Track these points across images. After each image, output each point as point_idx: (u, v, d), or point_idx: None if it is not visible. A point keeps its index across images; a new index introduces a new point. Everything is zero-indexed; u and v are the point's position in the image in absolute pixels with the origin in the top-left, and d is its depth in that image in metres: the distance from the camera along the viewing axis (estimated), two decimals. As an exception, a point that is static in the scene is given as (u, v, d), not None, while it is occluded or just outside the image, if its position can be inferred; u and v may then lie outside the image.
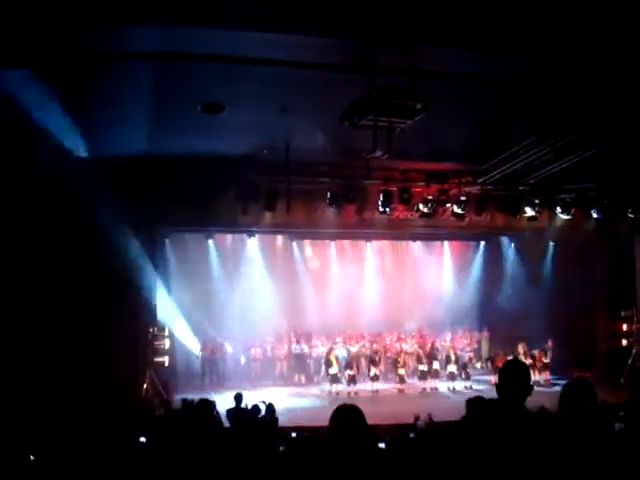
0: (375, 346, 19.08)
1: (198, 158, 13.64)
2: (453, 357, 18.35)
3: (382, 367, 18.20)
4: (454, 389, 17.56)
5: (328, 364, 17.59)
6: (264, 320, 19.07)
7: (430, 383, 17.74)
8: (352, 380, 17.13)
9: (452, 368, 18.13)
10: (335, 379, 17.15)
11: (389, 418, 11.63)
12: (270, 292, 19.68)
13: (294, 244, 20.60)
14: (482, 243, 21.58)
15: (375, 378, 17.54)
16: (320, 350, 19.05)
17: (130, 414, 8.87)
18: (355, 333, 19.90)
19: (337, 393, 16.72)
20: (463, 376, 18.33)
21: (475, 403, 5.13)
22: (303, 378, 18.93)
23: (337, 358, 17.71)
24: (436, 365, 18.06)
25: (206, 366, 18.25)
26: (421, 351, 18.63)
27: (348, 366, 17.50)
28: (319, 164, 14.78)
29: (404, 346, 19.24)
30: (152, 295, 15.14)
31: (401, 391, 17.36)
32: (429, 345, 18.73)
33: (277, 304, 19.54)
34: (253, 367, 18.98)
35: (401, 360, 18.09)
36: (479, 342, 20.96)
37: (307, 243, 21.01)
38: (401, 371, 17.90)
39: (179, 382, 16.54)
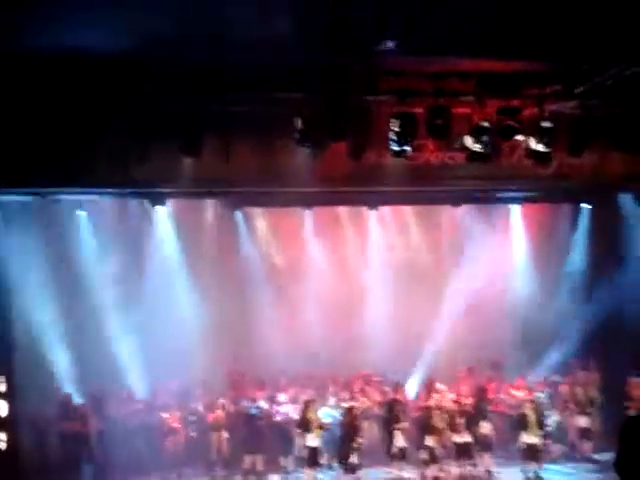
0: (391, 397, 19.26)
1: (53, 60, 13.60)
2: (532, 416, 18.43)
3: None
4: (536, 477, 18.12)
5: (305, 429, 17.92)
6: (184, 356, 19.47)
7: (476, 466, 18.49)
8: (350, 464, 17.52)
9: (531, 438, 18.27)
10: (315, 460, 17.76)
11: None
12: (194, 303, 20.38)
13: (237, 215, 20.86)
14: (585, 207, 21.86)
15: (399, 456, 18.05)
16: (289, 409, 19.32)
17: None
18: (355, 377, 20.39)
19: None
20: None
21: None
22: (259, 461, 19.13)
23: (321, 422, 18.09)
24: (486, 429, 18.59)
25: (72, 448, 18.35)
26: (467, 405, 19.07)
27: (345, 437, 17.72)
28: (281, 68, 14.62)
29: (435, 396, 19.37)
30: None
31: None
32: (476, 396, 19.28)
33: (208, 326, 20.14)
34: (166, 446, 19.22)
35: (433, 421, 18.42)
36: (583, 387, 21.05)
37: (261, 213, 21.38)
38: (429, 441, 18.26)
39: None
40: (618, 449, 3.84)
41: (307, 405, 18.24)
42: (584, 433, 20.11)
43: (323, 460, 18.04)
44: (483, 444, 18.56)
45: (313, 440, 17.79)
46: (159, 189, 17.56)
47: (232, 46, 13.35)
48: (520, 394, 19.76)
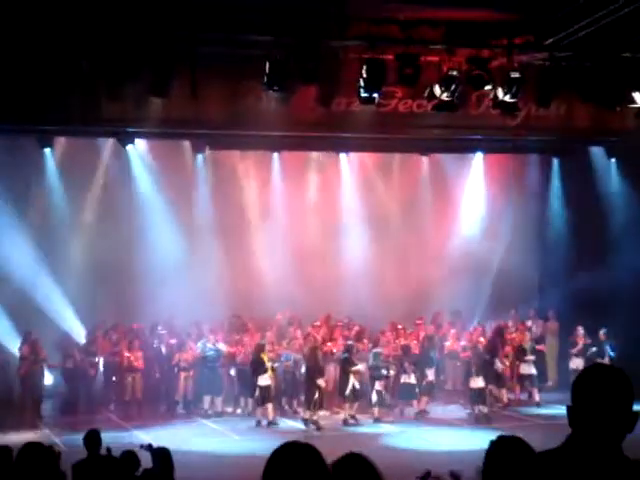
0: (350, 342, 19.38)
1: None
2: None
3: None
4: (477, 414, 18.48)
5: (258, 370, 18.10)
6: (153, 296, 19.69)
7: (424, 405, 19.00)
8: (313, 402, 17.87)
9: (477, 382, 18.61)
10: (266, 397, 18.10)
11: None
12: (167, 243, 20.54)
13: (201, 157, 20.76)
14: (554, 160, 21.90)
15: (351, 398, 18.21)
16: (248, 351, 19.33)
17: None
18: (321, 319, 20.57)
19: (269, 424, 17.91)
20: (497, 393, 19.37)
21: (506, 450, 5.03)
22: (218, 402, 19.38)
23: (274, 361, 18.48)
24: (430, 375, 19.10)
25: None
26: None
27: (308, 377, 17.99)
28: (251, 10, 14.55)
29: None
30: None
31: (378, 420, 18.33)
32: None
33: (179, 265, 20.43)
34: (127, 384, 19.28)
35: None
36: (539, 338, 21.47)
37: (227, 156, 21.25)
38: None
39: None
40: (572, 395, 3.90)
41: (258, 348, 18.42)
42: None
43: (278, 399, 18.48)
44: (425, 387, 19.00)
45: (264, 379, 17.98)
46: (128, 128, 17.44)
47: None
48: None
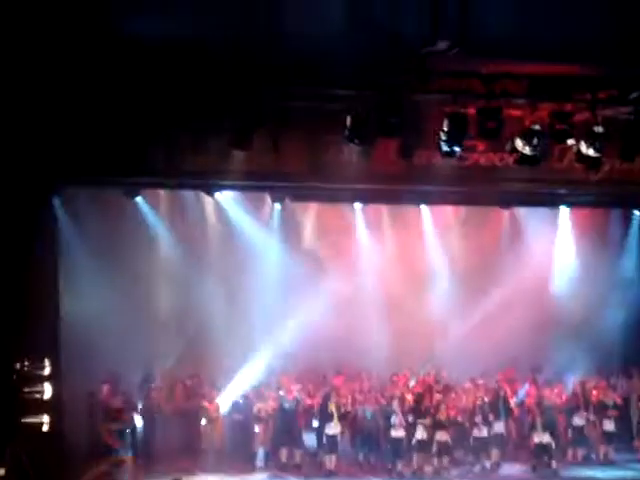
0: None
1: (111, 49, 13.58)
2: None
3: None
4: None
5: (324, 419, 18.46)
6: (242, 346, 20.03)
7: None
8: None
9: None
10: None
11: None
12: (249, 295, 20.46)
13: (278, 207, 20.65)
14: (637, 213, 21.60)
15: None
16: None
17: None
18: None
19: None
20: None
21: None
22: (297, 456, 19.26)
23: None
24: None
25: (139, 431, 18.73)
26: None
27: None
28: (333, 64, 14.46)
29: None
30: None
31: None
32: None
33: (267, 319, 20.48)
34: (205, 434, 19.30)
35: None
36: (625, 399, 20.98)
37: (308, 208, 21.37)
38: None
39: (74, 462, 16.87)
40: None
41: (325, 397, 18.92)
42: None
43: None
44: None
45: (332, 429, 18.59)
46: (212, 180, 17.59)
47: (286, 41, 13.30)
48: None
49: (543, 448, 19.03)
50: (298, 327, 20.44)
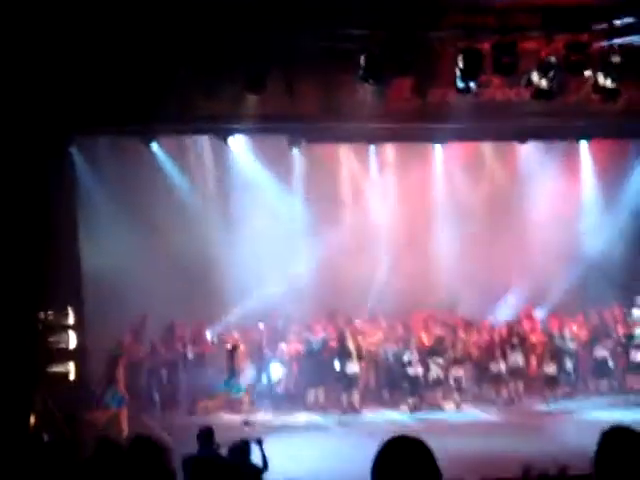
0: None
1: (120, 5, 13.63)
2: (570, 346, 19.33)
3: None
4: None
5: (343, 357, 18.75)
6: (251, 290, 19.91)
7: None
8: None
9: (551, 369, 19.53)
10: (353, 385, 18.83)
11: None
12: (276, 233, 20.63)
13: (296, 151, 20.55)
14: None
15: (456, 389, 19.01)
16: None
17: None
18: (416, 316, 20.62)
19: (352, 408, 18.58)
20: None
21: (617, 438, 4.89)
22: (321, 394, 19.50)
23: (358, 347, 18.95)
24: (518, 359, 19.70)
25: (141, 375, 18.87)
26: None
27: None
28: (344, 5, 14.41)
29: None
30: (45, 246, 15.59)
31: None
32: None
33: (284, 256, 20.67)
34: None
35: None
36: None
37: (322, 148, 21.21)
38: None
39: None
40: None
41: (341, 336, 19.20)
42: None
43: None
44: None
45: (352, 366, 18.81)
46: (226, 125, 17.56)
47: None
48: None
49: (551, 379, 19.59)
50: (312, 270, 20.69)
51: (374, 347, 19.78)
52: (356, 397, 18.92)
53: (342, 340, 19.06)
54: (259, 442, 11.02)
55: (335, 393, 19.34)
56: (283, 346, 19.71)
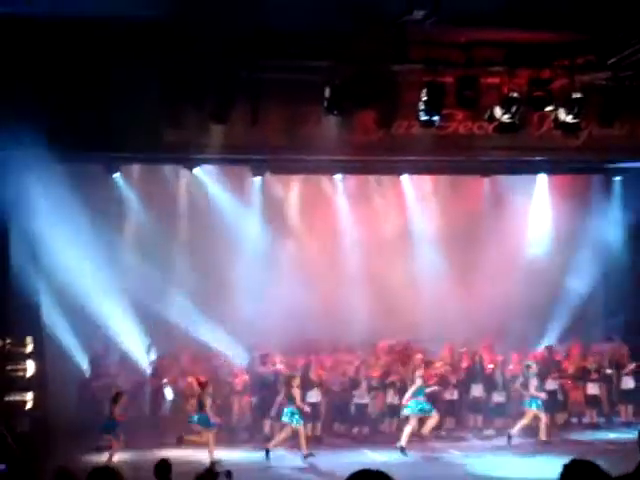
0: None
1: (90, 25, 13.61)
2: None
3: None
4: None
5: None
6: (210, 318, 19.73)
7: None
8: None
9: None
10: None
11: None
12: (227, 264, 20.47)
13: (259, 180, 20.50)
14: (616, 179, 21.60)
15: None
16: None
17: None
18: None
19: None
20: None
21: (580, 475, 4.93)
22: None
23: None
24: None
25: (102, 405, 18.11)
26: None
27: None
28: (311, 36, 14.54)
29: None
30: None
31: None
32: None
33: (238, 288, 20.30)
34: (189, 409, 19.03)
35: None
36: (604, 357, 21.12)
37: (289, 180, 21.34)
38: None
39: (59, 440, 16.77)
40: None
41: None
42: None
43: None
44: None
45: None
46: (191, 155, 17.52)
47: (264, 13, 13.25)
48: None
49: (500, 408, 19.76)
50: (276, 301, 20.25)
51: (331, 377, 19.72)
52: (318, 427, 18.87)
53: (306, 371, 18.92)
54: (228, 475, 10.87)
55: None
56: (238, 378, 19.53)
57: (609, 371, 20.38)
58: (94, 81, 14.87)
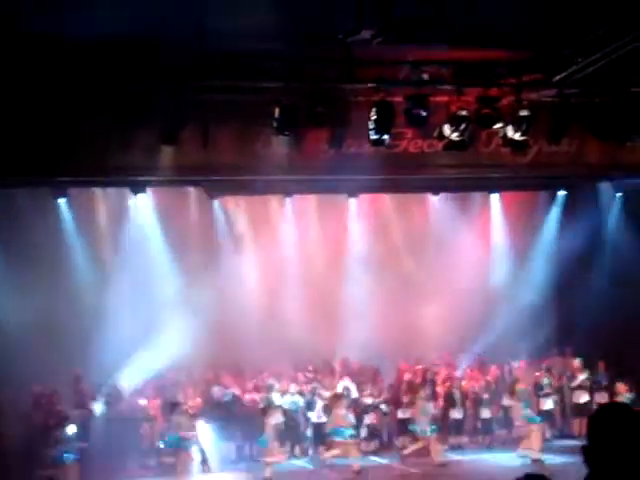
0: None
1: (34, 44, 13.44)
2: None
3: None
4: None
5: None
6: (158, 344, 19.58)
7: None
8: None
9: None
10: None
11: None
12: (174, 289, 20.43)
13: (215, 203, 20.71)
14: (560, 194, 21.87)
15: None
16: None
17: None
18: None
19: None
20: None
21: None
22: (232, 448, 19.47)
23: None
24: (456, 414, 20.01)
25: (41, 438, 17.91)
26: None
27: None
28: (260, 56, 14.60)
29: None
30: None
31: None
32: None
33: (187, 312, 20.12)
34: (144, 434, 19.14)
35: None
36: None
37: (239, 201, 21.36)
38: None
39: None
40: (588, 435, 3.91)
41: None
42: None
43: None
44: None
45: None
46: (140, 177, 17.45)
47: (212, 34, 13.25)
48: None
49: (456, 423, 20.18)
50: (219, 321, 20.27)
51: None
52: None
53: (269, 391, 19.03)
54: None
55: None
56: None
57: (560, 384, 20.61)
58: (38, 104, 14.67)
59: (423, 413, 18.84)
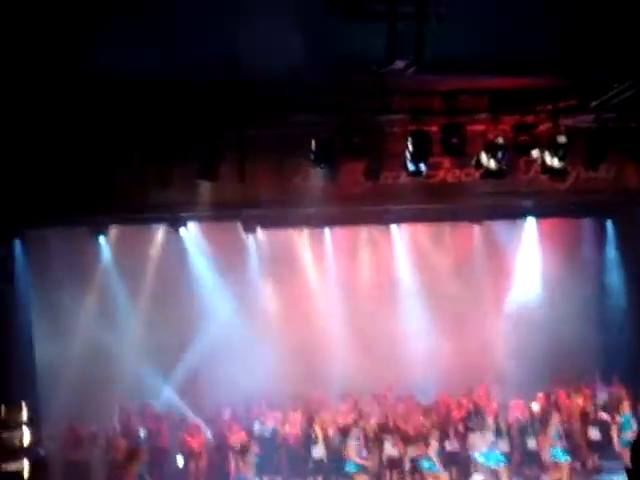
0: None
1: (74, 83, 13.56)
2: None
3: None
4: None
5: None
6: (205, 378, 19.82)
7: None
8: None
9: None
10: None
11: None
12: (222, 322, 20.38)
13: (250, 238, 20.71)
14: (608, 222, 21.84)
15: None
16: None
17: None
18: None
19: None
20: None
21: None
22: None
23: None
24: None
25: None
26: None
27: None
28: (295, 90, 14.60)
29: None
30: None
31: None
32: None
33: (230, 347, 20.28)
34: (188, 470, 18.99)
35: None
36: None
37: (277, 235, 21.19)
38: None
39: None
40: (631, 459, 3.88)
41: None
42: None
43: None
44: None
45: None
46: (179, 213, 17.67)
47: (248, 69, 13.34)
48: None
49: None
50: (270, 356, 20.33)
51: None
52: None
53: (310, 423, 18.79)
54: None
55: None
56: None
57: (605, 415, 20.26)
58: (75, 143, 14.90)
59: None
